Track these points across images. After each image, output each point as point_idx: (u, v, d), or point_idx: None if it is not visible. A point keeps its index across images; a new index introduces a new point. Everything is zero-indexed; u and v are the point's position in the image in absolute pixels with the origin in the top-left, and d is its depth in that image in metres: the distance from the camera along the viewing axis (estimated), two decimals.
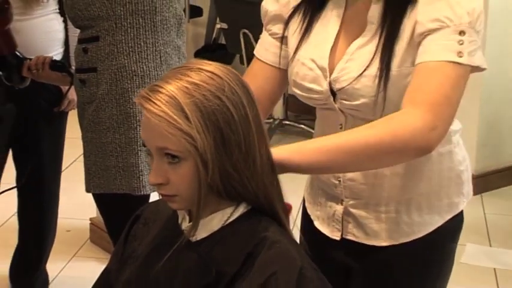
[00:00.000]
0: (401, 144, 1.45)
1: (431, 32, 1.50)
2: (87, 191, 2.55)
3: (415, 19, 1.53)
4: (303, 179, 1.75)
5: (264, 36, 1.79)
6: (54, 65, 2.71)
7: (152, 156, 1.38)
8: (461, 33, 1.49)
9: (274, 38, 1.76)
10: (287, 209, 1.50)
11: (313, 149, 1.48)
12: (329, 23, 1.66)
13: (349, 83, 1.58)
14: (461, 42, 1.49)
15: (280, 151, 1.46)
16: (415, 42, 1.53)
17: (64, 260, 3.51)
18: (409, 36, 1.55)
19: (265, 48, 1.78)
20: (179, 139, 1.31)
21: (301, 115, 5.02)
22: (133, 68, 2.44)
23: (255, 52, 1.81)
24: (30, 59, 2.74)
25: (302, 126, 5.05)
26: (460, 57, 1.49)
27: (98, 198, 2.60)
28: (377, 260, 1.72)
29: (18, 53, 2.74)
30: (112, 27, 2.43)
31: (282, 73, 1.74)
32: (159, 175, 1.36)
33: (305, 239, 1.81)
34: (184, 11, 2.62)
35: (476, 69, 1.54)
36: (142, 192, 2.45)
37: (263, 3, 1.80)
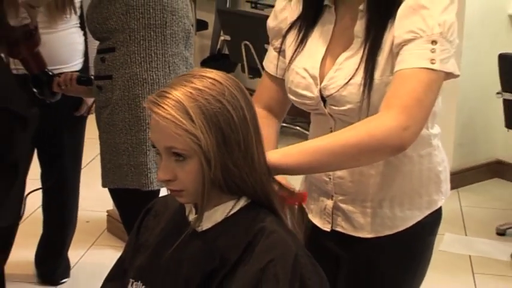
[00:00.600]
0: (377, 143, 1.46)
1: (406, 42, 1.50)
2: (103, 186, 2.56)
3: (393, 31, 1.54)
4: (299, 176, 1.74)
5: (269, 50, 1.79)
6: (80, 80, 2.72)
7: (161, 156, 1.38)
8: (433, 42, 1.49)
9: (276, 51, 1.76)
10: (304, 197, 1.54)
11: (300, 151, 1.49)
12: (321, 36, 1.67)
13: (337, 91, 1.58)
14: (433, 50, 1.49)
15: (272, 155, 1.46)
16: (394, 53, 1.53)
17: (84, 248, 3.51)
18: (389, 48, 1.55)
19: (270, 61, 1.78)
20: (185, 139, 1.31)
21: (297, 118, 5.01)
22: (144, 76, 2.44)
23: (263, 64, 1.81)
24: (59, 76, 2.75)
25: (297, 128, 5.05)
26: (433, 63, 1.48)
27: (112, 193, 2.61)
28: (363, 250, 1.71)
29: (48, 71, 2.75)
30: (126, 39, 2.43)
31: (281, 83, 1.75)
32: (167, 172, 1.37)
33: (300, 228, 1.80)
34: (192, 26, 2.61)
35: (450, 75, 1.53)
36: (149, 188, 2.45)
37: (267, 21, 1.79)
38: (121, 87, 2.45)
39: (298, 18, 1.70)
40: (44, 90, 2.75)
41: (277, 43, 1.75)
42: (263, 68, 1.82)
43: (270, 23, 1.78)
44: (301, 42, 1.68)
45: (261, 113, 1.61)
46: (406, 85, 1.48)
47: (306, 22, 1.68)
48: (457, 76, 1.54)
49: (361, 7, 1.58)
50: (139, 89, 2.43)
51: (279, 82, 1.75)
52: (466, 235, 3.75)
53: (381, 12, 1.56)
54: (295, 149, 1.49)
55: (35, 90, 2.75)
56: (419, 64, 1.48)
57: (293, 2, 1.71)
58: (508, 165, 4.42)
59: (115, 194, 2.60)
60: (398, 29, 1.52)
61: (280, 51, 1.74)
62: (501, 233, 3.76)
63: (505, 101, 3.67)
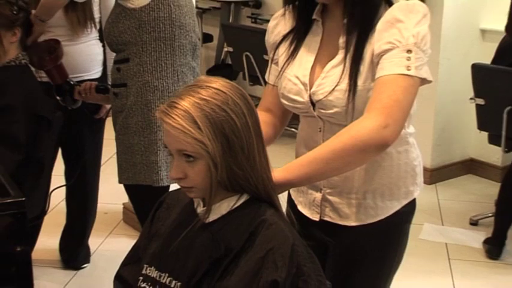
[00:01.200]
0: (362, 143, 1.46)
1: (385, 52, 1.51)
2: (120, 182, 2.56)
3: (373, 43, 1.54)
4: None
5: (269, 62, 1.79)
6: (98, 88, 2.71)
7: (173, 156, 1.38)
8: (409, 51, 1.50)
9: (273, 63, 1.76)
10: None
11: (297, 165, 1.50)
12: (310, 47, 1.67)
13: (325, 96, 1.59)
14: (408, 58, 1.49)
15: (275, 173, 1.47)
16: (375, 63, 1.54)
17: (102, 236, 3.50)
18: (370, 58, 1.56)
19: (270, 72, 1.78)
20: (193, 145, 1.32)
21: (292, 121, 5.00)
22: (155, 84, 2.44)
23: (266, 77, 1.81)
24: (80, 85, 2.74)
25: (293, 129, 5.04)
26: (409, 70, 1.49)
27: (127, 188, 2.60)
28: (348, 237, 1.72)
29: (69, 81, 2.74)
30: (139, 51, 2.43)
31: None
32: (178, 171, 1.37)
33: (289, 220, 1.80)
34: (198, 39, 2.61)
35: (425, 81, 1.53)
36: (160, 184, 2.45)
37: (266, 37, 1.80)
38: (135, 93, 2.44)
39: (291, 31, 1.70)
40: (66, 98, 2.74)
41: (272, 55, 1.76)
42: (263, 77, 1.82)
43: (267, 37, 1.79)
44: (293, 52, 1.68)
45: (262, 115, 1.62)
46: (385, 89, 1.49)
47: (298, 35, 1.69)
48: (430, 82, 1.54)
49: (345, 21, 1.59)
50: (151, 95, 2.43)
51: (277, 90, 1.75)
52: (442, 225, 3.75)
53: (361, 26, 1.57)
54: (294, 163, 1.51)
55: (58, 98, 2.74)
56: (397, 71, 1.49)
57: (286, 17, 1.71)
58: (480, 162, 4.42)
59: (129, 189, 2.60)
60: (378, 41, 1.53)
61: (275, 62, 1.74)
62: (474, 223, 3.76)
63: (477, 106, 3.66)
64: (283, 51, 1.71)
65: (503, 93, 3.35)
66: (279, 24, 1.74)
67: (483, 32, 4.23)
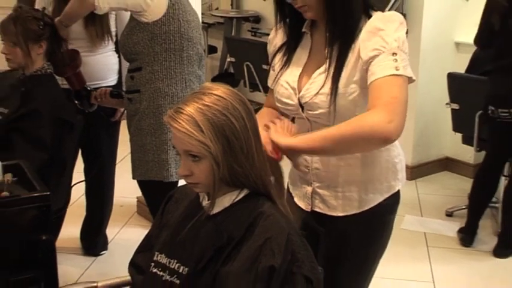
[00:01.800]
0: (367, 134, 1.45)
1: (372, 58, 1.51)
2: (133, 178, 2.56)
3: (358, 52, 1.54)
4: (287, 168, 1.73)
5: (270, 69, 1.79)
6: (112, 94, 2.71)
7: (180, 156, 1.38)
8: (394, 54, 1.50)
9: (272, 70, 1.76)
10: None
11: (311, 138, 1.50)
12: (300, 57, 1.68)
13: (311, 99, 1.60)
14: (395, 60, 1.49)
15: (291, 140, 1.50)
16: (363, 69, 1.53)
17: (118, 226, 3.50)
18: (352, 65, 1.56)
19: (270, 77, 1.78)
20: (197, 147, 1.32)
21: None
22: (165, 90, 2.43)
23: (268, 83, 1.81)
24: (96, 90, 2.74)
25: None
26: (397, 70, 1.49)
27: (140, 183, 2.60)
28: (336, 226, 1.72)
29: (87, 87, 2.74)
30: (151, 61, 2.42)
31: None
32: (185, 169, 1.37)
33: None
34: (204, 50, 2.62)
35: (410, 79, 1.53)
36: (169, 180, 2.45)
37: (267, 48, 1.80)
38: (147, 99, 2.44)
39: (284, 43, 1.71)
40: (83, 102, 2.74)
41: (271, 63, 1.76)
42: (262, 85, 1.83)
43: (268, 48, 1.79)
44: (285, 62, 1.69)
45: (269, 110, 1.76)
46: (383, 89, 1.48)
47: (289, 47, 1.70)
48: (413, 80, 1.54)
49: (327, 34, 1.59)
50: (162, 100, 2.43)
51: None
52: (422, 216, 3.75)
53: (342, 39, 1.57)
54: (307, 136, 1.52)
55: (76, 102, 2.74)
56: (388, 72, 1.48)
57: (280, 30, 1.72)
58: (455, 161, 4.42)
59: (142, 184, 2.60)
60: (363, 50, 1.53)
61: (273, 69, 1.75)
62: (449, 214, 3.76)
63: (452, 110, 3.67)
64: (277, 61, 1.72)
65: (476, 99, 3.35)
66: (276, 36, 1.75)
67: (457, 44, 4.23)
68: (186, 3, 2.50)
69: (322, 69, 1.60)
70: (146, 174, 2.50)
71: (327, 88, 1.57)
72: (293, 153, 1.53)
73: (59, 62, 2.62)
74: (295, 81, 1.64)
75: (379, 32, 1.52)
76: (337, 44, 1.57)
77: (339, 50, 1.57)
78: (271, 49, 1.77)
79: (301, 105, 1.63)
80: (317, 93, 1.58)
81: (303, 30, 1.67)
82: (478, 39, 3.27)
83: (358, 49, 1.54)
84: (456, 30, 4.19)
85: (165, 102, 2.43)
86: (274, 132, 1.53)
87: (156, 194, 2.46)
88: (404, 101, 1.48)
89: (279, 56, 1.71)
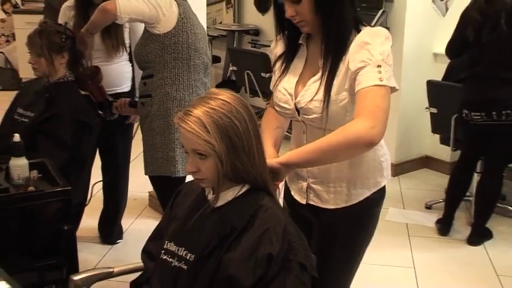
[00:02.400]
0: (353, 141, 1.46)
1: (360, 69, 1.51)
2: (146, 174, 2.56)
3: (347, 63, 1.54)
4: None
5: (273, 75, 1.79)
6: (130, 104, 2.73)
7: (188, 154, 1.38)
8: (379, 66, 1.50)
9: (274, 75, 1.76)
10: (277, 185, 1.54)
11: (302, 151, 1.51)
12: (297, 66, 1.67)
13: (305, 104, 1.60)
14: (379, 72, 1.49)
15: (284, 156, 1.51)
16: (351, 78, 1.54)
17: (132, 218, 3.49)
18: (343, 75, 1.56)
19: (273, 82, 1.77)
20: (204, 146, 1.32)
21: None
22: (174, 95, 2.44)
23: (271, 88, 1.80)
24: (116, 101, 2.75)
25: (285, 132, 5.03)
26: (381, 81, 1.49)
27: (151, 179, 2.60)
28: (327, 217, 1.72)
29: (108, 98, 2.75)
30: (161, 68, 2.43)
31: None
32: (193, 166, 1.37)
33: (286, 202, 1.80)
34: (209, 60, 2.62)
35: (393, 89, 1.53)
36: (176, 175, 2.46)
37: (270, 56, 1.80)
38: (157, 102, 2.44)
39: (283, 53, 1.71)
40: (106, 112, 2.75)
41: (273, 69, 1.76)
42: (261, 91, 1.82)
43: (270, 56, 1.79)
44: (284, 70, 1.69)
45: (273, 111, 1.76)
46: (367, 98, 1.48)
47: (287, 57, 1.69)
48: (397, 90, 1.54)
49: (322, 47, 1.60)
50: (171, 104, 2.43)
51: None
52: (404, 209, 3.75)
53: (334, 51, 1.57)
54: (300, 150, 1.53)
55: (100, 112, 2.75)
56: (373, 83, 1.49)
57: (279, 42, 1.72)
58: (433, 159, 4.42)
59: (153, 179, 2.60)
60: (352, 61, 1.53)
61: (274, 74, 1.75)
62: (428, 207, 3.76)
63: (431, 114, 3.67)
64: (276, 69, 1.72)
65: (452, 104, 3.35)
66: (276, 47, 1.75)
67: (435, 55, 4.23)
68: (194, 17, 2.51)
69: (316, 77, 1.60)
70: (156, 170, 2.50)
71: (320, 95, 1.57)
72: (288, 168, 1.53)
73: (82, 79, 2.63)
74: (292, 88, 1.64)
75: (366, 45, 1.53)
76: (330, 56, 1.57)
77: (332, 62, 1.57)
78: (272, 57, 1.77)
79: (297, 110, 1.63)
80: (311, 99, 1.58)
81: (300, 42, 1.67)
82: (449, 50, 3.27)
83: (348, 60, 1.55)
84: (434, 42, 4.19)
85: (173, 105, 2.44)
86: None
87: (165, 188, 2.47)
88: (386, 109, 1.48)
89: (278, 65, 1.71)
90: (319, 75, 1.59)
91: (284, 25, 1.66)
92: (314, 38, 1.64)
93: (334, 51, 1.57)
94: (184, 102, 2.45)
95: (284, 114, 1.70)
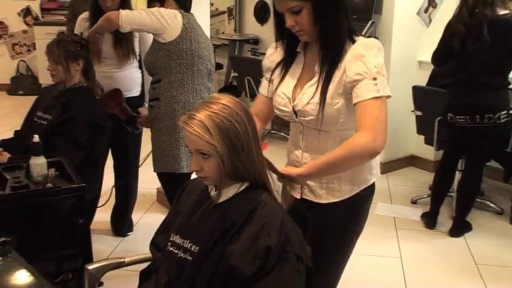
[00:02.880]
0: (358, 153, 1.49)
1: (357, 82, 1.51)
2: (154, 171, 2.57)
3: (343, 70, 1.54)
4: (282, 164, 1.73)
5: (263, 80, 1.78)
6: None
7: (192, 154, 1.37)
8: (374, 79, 1.51)
9: (267, 80, 1.76)
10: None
11: (315, 165, 1.54)
12: (294, 72, 1.67)
13: (302, 107, 1.60)
14: (376, 84, 1.50)
15: (301, 169, 1.54)
16: (347, 87, 1.54)
17: (141, 212, 3.48)
18: (338, 80, 1.56)
19: (263, 87, 1.78)
20: (206, 146, 1.31)
21: (282, 127, 5.00)
22: (179, 97, 2.46)
23: (259, 89, 1.81)
24: (139, 117, 2.79)
25: (282, 133, 5.03)
26: (378, 92, 1.50)
27: (159, 175, 2.61)
28: (320, 211, 1.71)
29: (132, 115, 2.77)
30: (168, 73, 2.45)
31: (269, 101, 1.75)
32: (197, 165, 1.37)
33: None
34: (212, 66, 2.63)
35: (388, 96, 1.54)
36: (180, 171, 2.48)
37: (263, 61, 1.79)
38: (164, 105, 2.46)
39: (281, 60, 1.70)
40: (131, 127, 2.78)
41: (268, 75, 1.75)
42: (259, 92, 1.81)
43: (264, 62, 1.78)
44: (283, 76, 1.68)
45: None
46: (366, 112, 1.50)
47: (285, 64, 1.69)
48: (390, 96, 1.55)
49: (320, 53, 1.59)
50: (176, 106, 2.45)
51: (267, 100, 1.75)
52: (392, 204, 3.74)
53: (331, 59, 1.57)
54: (313, 164, 1.56)
55: (128, 128, 2.79)
56: (371, 95, 1.50)
57: (278, 50, 1.72)
58: (419, 158, 4.41)
59: (161, 176, 2.61)
60: (349, 71, 1.53)
61: (270, 81, 1.73)
62: (414, 202, 3.75)
63: (416, 117, 3.67)
64: (276, 75, 1.71)
65: (435, 107, 3.35)
66: (273, 54, 1.74)
67: (420, 63, 4.22)
68: (198, 28, 2.52)
69: (312, 81, 1.60)
70: (164, 167, 2.51)
71: (317, 99, 1.57)
72: (304, 179, 1.56)
73: (105, 101, 2.67)
74: (290, 92, 1.64)
75: (362, 57, 1.53)
76: (327, 64, 1.57)
77: (328, 68, 1.57)
78: (267, 63, 1.76)
79: (295, 112, 1.63)
80: (308, 102, 1.58)
81: (298, 50, 1.67)
82: (435, 59, 3.26)
83: (344, 68, 1.54)
84: (419, 51, 4.18)
85: (178, 107, 2.45)
86: (287, 169, 1.56)
87: (171, 183, 2.49)
88: (384, 119, 1.51)
89: (277, 71, 1.71)
90: (315, 79, 1.59)
91: (283, 34, 1.66)
92: (311, 46, 1.64)
93: (330, 59, 1.56)
94: (189, 104, 2.46)
95: (283, 116, 1.69)
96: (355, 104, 1.52)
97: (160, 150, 2.50)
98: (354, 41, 1.57)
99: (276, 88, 1.69)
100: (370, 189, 1.73)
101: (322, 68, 1.57)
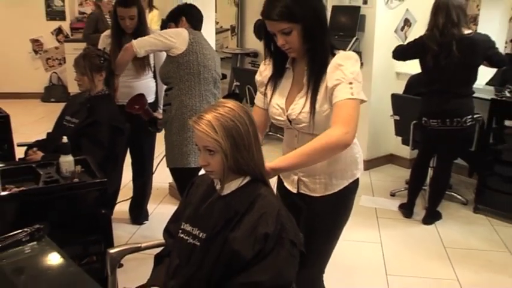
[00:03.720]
0: (332, 145, 1.47)
1: (335, 86, 1.51)
2: (167, 166, 2.59)
3: (326, 81, 1.55)
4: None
5: (258, 93, 1.77)
6: None
7: (200, 150, 1.37)
8: (350, 83, 1.50)
9: (262, 94, 1.74)
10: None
11: (289, 157, 1.50)
12: (285, 86, 1.66)
13: (296, 116, 1.59)
14: (351, 87, 1.50)
15: (274, 162, 1.48)
16: (330, 93, 1.54)
17: (156, 204, 3.48)
18: (324, 91, 1.55)
19: (258, 99, 1.76)
20: (212, 143, 1.31)
21: (278, 130, 4.99)
22: (187, 102, 2.49)
23: (255, 101, 1.79)
24: (160, 118, 2.74)
25: (278, 135, 5.02)
26: (352, 95, 1.50)
27: (171, 170, 2.62)
28: (314, 203, 1.70)
29: (153, 118, 2.74)
30: (178, 81, 2.49)
31: (265, 112, 1.73)
32: (204, 160, 1.36)
33: (279, 192, 1.79)
34: (218, 75, 2.64)
35: (362, 101, 1.53)
36: (188, 166, 2.50)
37: (256, 77, 1.77)
38: (175, 109, 2.50)
39: (272, 75, 1.69)
40: (153, 127, 2.77)
41: (262, 89, 1.73)
42: (255, 104, 1.79)
43: (257, 77, 1.77)
44: (274, 89, 1.67)
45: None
46: (341, 109, 1.49)
47: (275, 79, 1.68)
48: (365, 101, 1.54)
49: (306, 69, 1.59)
50: (185, 110, 2.49)
51: (263, 112, 1.74)
52: (373, 196, 3.74)
53: (317, 72, 1.56)
54: (287, 156, 1.51)
55: (150, 128, 2.75)
56: (346, 96, 1.49)
57: (269, 66, 1.70)
58: (397, 156, 4.40)
59: (172, 171, 2.62)
60: (329, 80, 1.54)
61: (265, 94, 1.72)
62: (393, 194, 3.75)
63: (395, 120, 3.66)
64: (269, 88, 1.70)
65: (411, 113, 3.35)
66: (266, 69, 1.73)
67: (397, 74, 4.22)
68: (204, 42, 2.55)
69: (302, 93, 1.60)
70: (175, 163, 2.52)
71: (307, 108, 1.56)
72: (276, 172, 1.50)
73: (130, 105, 2.66)
74: (283, 103, 1.64)
75: (340, 67, 1.53)
76: (313, 78, 1.56)
77: (315, 81, 1.56)
78: (260, 78, 1.74)
79: (289, 120, 1.62)
80: (300, 112, 1.58)
81: (287, 66, 1.65)
82: (398, 54, 3.27)
83: (327, 79, 1.54)
84: (396, 64, 4.15)
85: (186, 110, 2.48)
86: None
87: (181, 177, 2.49)
88: (356, 117, 1.49)
89: (270, 85, 1.69)
90: (304, 91, 1.59)
91: (272, 52, 1.65)
92: (298, 62, 1.63)
93: (317, 74, 1.56)
94: (195, 108, 2.49)
95: (279, 124, 1.68)
96: (333, 104, 1.51)
97: (172, 148, 2.52)
98: (334, 54, 1.57)
99: (270, 100, 1.67)
100: (356, 183, 1.73)
101: (310, 81, 1.57)
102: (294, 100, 1.61)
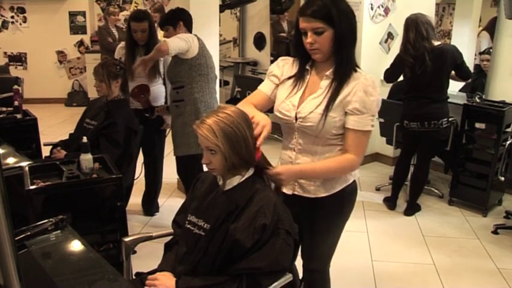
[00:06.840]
0: (345, 168, 1.53)
1: (359, 112, 1.46)
2: (178, 154, 2.67)
3: (347, 94, 1.46)
4: (275, 160, 1.71)
5: (266, 80, 1.64)
6: (167, 108, 2.87)
7: (203, 150, 1.37)
8: (372, 116, 1.49)
9: (274, 84, 1.62)
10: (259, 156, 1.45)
11: (307, 168, 1.54)
12: (301, 85, 1.56)
13: (306, 114, 1.51)
14: (372, 120, 1.49)
15: (297, 166, 1.53)
16: (347, 109, 1.47)
17: (166, 197, 3.48)
18: (340, 99, 1.47)
19: (267, 87, 1.62)
20: (213, 145, 1.31)
21: (275, 131, 4.97)
22: (201, 99, 2.58)
23: (260, 87, 1.63)
24: (157, 107, 2.88)
25: (276, 136, 5.02)
26: (372, 127, 1.50)
27: (177, 158, 2.70)
28: (310, 204, 1.62)
29: (151, 106, 2.81)
30: (190, 81, 2.56)
31: (268, 99, 1.62)
32: (206, 159, 1.36)
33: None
34: (220, 81, 2.70)
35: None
36: (189, 153, 2.59)
37: (272, 67, 1.63)
38: (190, 104, 2.59)
39: (294, 75, 1.58)
40: (150, 113, 2.84)
41: (273, 79, 1.61)
42: (260, 89, 1.64)
43: (273, 68, 1.62)
44: (293, 89, 1.56)
45: (250, 106, 1.55)
46: (361, 140, 1.49)
47: (298, 78, 1.57)
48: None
49: (327, 73, 1.51)
50: (200, 105, 2.59)
51: (268, 98, 1.62)
52: (361, 190, 3.73)
53: (340, 80, 1.49)
54: (305, 167, 1.54)
55: (146, 114, 2.84)
56: (365, 128, 1.48)
57: (294, 64, 1.59)
58: (381, 155, 4.40)
59: (178, 158, 2.70)
60: (355, 100, 1.45)
61: (278, 85, 1.61)
62: (378, 189, 3.75)
63: (380, 123, 3.67)
64: (288, 86, 1.58)
65: (394, 116, 3.36)
66: (286, 65, 1.61)
67: (382, 81, 4.17)
68: (206, 46, 2.63)
69: (315, 95, 1.51)
70: (181, 151, 2.61)
71: (320, 110, 1.48)
72: (295, 177, 1.52)
73: (136, 94, 2.74)
74: (296, 101, 1.54)
75: (371, 96, 1.46)
76: (336, 83, 1.49)
77: (335, 87, 1.49)
78: (275, 69, 1.61)
79: (296, 118, 1.53)
80: (311, 111, 1.49)
81: (307, 67, 1.57)
82: (387, 78, 3.32)
83: (349, 92, 1.47)
84: (381, 72, 4.14)
85: (201, 105, 2.58)
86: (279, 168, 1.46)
87: (191, 164, 2.58)
88: (366, 147, 1.52)
89: (289, 82, 1.58)
90: (319, 93, 1.51)
91: (300, 52, 1.53)
92: (317, 65, 1.54)
93: (340, 80, 1.48)
94: (208, 103, 2.59)
95: (283, 118, 1.57)
96: (349, 128, 1.47)
97: (187, 138, 2.59)
98: (355, 70, 1.49)
99: (287, 98, 1.56)
100: (353, 186, 1.64)
101: (331, 85, 1.48)
102: (305, 100, 1.53)
